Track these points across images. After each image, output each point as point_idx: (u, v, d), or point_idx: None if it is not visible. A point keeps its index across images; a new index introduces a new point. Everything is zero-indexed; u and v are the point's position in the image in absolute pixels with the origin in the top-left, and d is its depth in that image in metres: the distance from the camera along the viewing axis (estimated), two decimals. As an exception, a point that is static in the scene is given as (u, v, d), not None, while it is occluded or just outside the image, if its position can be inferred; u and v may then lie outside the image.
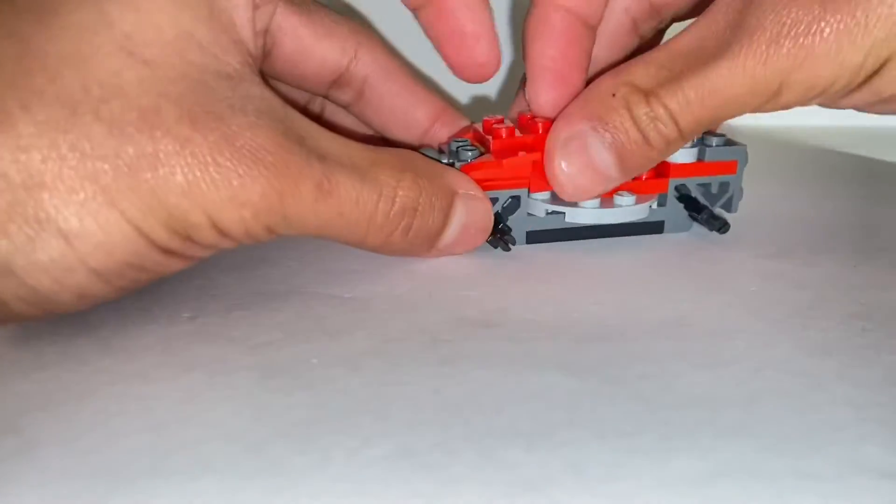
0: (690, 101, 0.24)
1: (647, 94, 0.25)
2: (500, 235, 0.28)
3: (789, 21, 0.22)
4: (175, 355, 0.21)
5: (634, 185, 0.29)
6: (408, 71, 0.29)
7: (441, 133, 0.30)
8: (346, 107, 0.30)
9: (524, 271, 0.27)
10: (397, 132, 0.30)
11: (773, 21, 0.23)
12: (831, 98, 0.24)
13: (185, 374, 0.20)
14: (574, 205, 0.28)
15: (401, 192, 0.24)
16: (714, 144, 0.29)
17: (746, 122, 0.47)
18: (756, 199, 0.32)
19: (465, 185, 0.27)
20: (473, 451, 0.18)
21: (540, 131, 0.28)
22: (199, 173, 0.20)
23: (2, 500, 0.16)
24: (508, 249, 0.28)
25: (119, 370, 0.21)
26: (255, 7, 0.23)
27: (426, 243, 0.26)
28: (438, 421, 0.19)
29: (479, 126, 0.30)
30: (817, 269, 0.27)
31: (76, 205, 0.19)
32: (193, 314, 0.24)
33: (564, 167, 0.26)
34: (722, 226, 0.29)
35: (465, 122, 0.31)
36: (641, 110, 0.25)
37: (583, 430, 0.18)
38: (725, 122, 0.33)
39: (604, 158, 0.26)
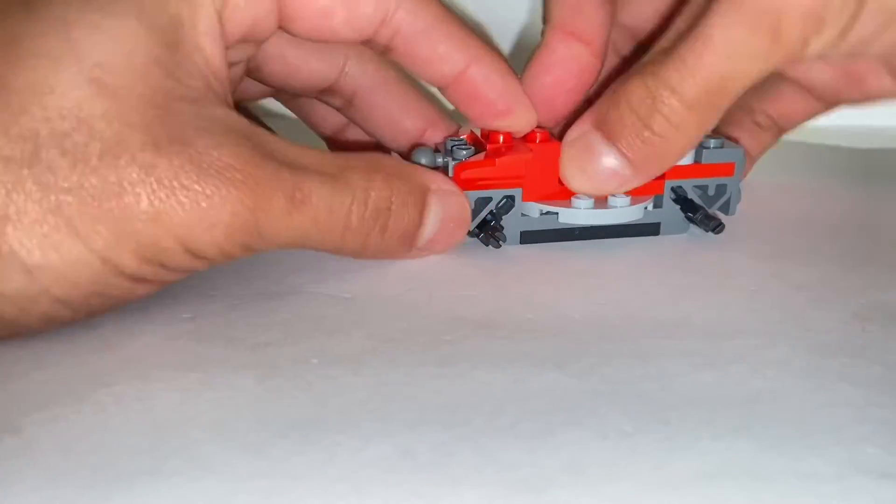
0: (688, 63, 0.24)
1: (645, 76, 0.25)
2: (490, 232, 0.28)
3: None
4: (175, 355, 0.21)
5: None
6: (400, 80, 0.29)
7: (432, 140, 0.30)
8: (337, 109, 0.30)
9: (524, 271, 0.27)
10: (387, 139, 0.30)
11: None
12: (831, 34, 0.23)
13: (185, 374, 0.20)
14: (567, 205, 0.28)
15: (373, 194, 0.24)
16: (711, 146, 0.29)
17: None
18: (756, 200, 0.32)
19: (438, 182, 0.26)
20: (473, 452, 0.18)
21: (537, 140, 0.28)
22: (165, 198, 0.20)
23: (2, 500, 0.16)
24: (499, 246, 0.28)
25: (119, 370, 0.21)
26: (227, 46, 0.23)
27: (404, 242, 0.26)
28: (438, 421, 0.19)
29: (477, 131, 0.30)
30: (817, 269, 0.27)
31: (39, 237, 0.19)
32: (193, 314, 0.24)
33: (572, 168, 0.27)
34: (717, 226, 0.29)
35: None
36: (639, 93, 0.25)
37: (583, 431, 0.18)
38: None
39: (606, 156, 0.26)
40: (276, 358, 0.21)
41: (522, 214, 0.29)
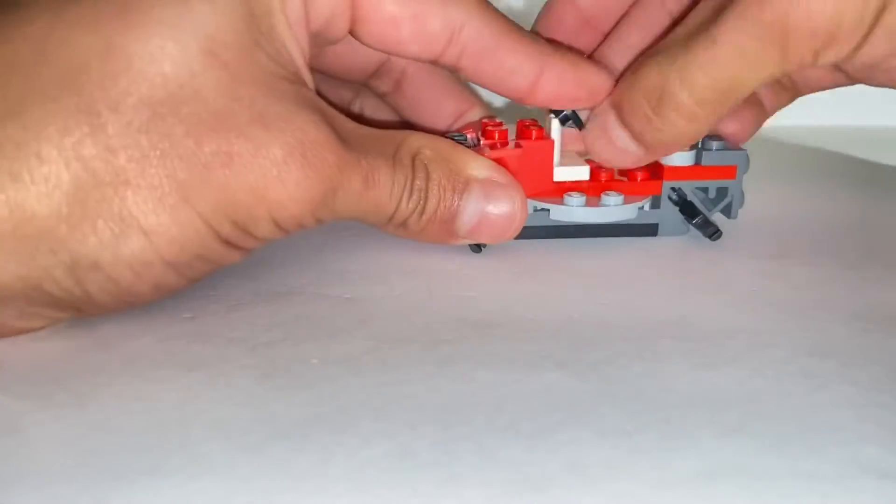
0: (699, 58, 0.24)
1: (660, 65, 0.25)
2: None
3: None
4: (175, 355, 0.21)
5: (625, 186, 0.29)
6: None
7: (466, 122, 0.31)
8: (382, 95, 0.31)
9: (524, 271, 0.27)
10: (425, 121, 0.31)
11: None
12: (842, 50, 0.23)
13: (185, 374, 0.20)
14: (559, 202, 0.28)
15: (419, 174, 0.25)
16: (714, 149, 0.29)
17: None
18: (756, 200, 0.32)
19: (485, 170, 0.26)
20: (473, 451, 0.18)
21: (533, 138, 0.28)
22: (270, 174, 0.21)
23: (2, 500, 0.16)
24: (479, 251, 0.28)
25: (119, 370, 0.21)
26: (308, 22, 0.23)
27: (441, 228, 0.26)
28: (438, 421, 0.19)
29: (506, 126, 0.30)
30: (817, 270, 0.27)
31: (155, 202, 0.20)
32: (193, 314, 0.24)
33: (593, 142, 0.28)
34: (714, 232, 0.29)
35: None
36: (653, 82, 0.25)
37: (583, 430, 0.18)
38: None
39: (619, 134, 0.27)
40: (276, 358, 0.21)
41: None
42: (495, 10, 0.25)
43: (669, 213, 0.29)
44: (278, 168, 0.21)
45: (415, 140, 0.25)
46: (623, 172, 0.29)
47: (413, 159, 0.25)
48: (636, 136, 0.27)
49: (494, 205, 0.26)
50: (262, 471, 0.17)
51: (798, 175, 0.39)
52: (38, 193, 0.19)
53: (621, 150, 0.27)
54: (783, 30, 0.23)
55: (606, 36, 0.32)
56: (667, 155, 0.28)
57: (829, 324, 0.23)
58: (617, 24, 0.32)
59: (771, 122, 0.32)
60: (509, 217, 0.26)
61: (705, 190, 0.29)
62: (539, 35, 0.27)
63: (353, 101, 0.32)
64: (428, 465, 0.17)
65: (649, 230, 0.30)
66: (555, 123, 0.28)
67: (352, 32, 0.24)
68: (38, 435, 0.18)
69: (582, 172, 0.29)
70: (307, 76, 0.23)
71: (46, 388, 0.20)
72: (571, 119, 0.28)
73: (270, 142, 0.21)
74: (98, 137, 0.20)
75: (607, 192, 0.28)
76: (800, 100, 0.31)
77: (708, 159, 0.29)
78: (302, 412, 0.19)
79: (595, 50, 0.32)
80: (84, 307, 0.21)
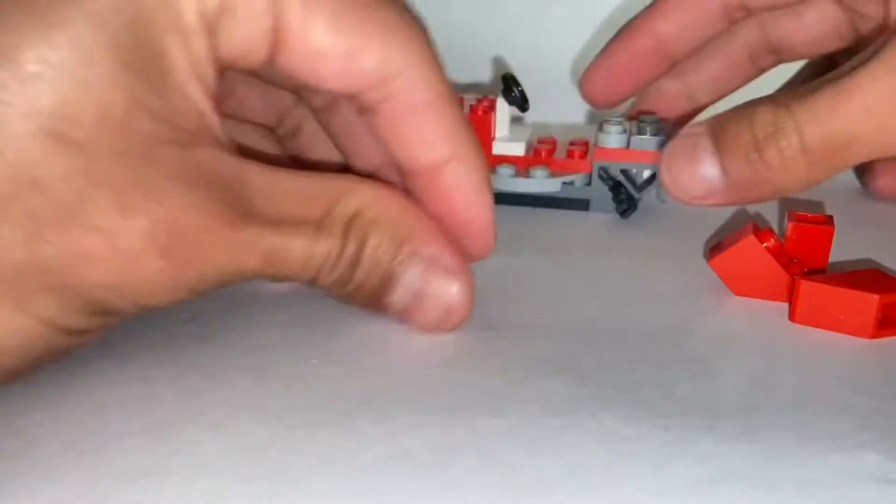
0: (821, 109, 0.23)
1: (777, 105, 0.24)
2: None
3: None
4: (175, 355, 0.21)
5: (556, 162, 0.33)
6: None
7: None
8: (315, 111, 0.25)
9: (524, 273, 0.27)
10: (357, 151, 0.25)
11: None
12: None
13: (185, 374, 0.20)
14: (492, 171, 0.32)
15: (346, 252, 0.21)
16: (648, 133, 0.31)
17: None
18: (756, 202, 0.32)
19: (433, 247, 0.22)
20: (473, 454, 0.18)
21: (479, 113, 0.32)
22: (127, 269, 0.18)
23: (2, 500, 0.16)
24: None
25: (119, 370, 0.21)
26: (217, 57, 0.19)
27: (368, 300, 0.22)
28: (438, 423, 0.19)
29: None
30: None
31: None
32: (193, 314, 0.23)
33: (671, 161, 0.26)
34: (624, 210, 0.32)
35: None
36: (765, 117, 0.24)
37: (583, 435, 0.18)
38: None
39: (708, 161, 0.25)
40: (275, 358, 0.21)
41: None
42: (440, 70, 0.22)
43: (599, 191, 0.32)
44: (136, 260, 0.18)
45: (355, 198, 0.21)
46: (562, 152, 0.33)
47: (347, 225, 0.21)
48: (726, 167, 0.25)
49: (434, 290, 0.22)
50: (262, 471, 0.17)
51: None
52: None
53: (701, 177, 0.25)
54: None
55: (674, 65, 0.33)
56: (743, 202, 0.27)
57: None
58: (692, 54, 0.33)
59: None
60: (445, 309, 0.22)
61: (633, 173, 0.32)
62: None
63: (292, 111, 0.26)
64: (428, 468, 0.17)
65: (581, 205, 0.33)
66: (500, 102, 0.32)
67: (269, 59, 0.20)
68: (38, 435, 0.18)
69: (517, 148, 0.33)
70: (211, 119, 0.19)
71: (46, 388, 0.20)
72: (517, 102, 0.31)
73: (126, 231, 0.18)
74: None
75: (536, 166, 0.32)
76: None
77: (636, 144, 0.31)
78: (302, 412, 0.19)
79: (668, 73, 0.34)
80: None
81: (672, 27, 0.32)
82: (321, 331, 0.23)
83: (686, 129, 0.26)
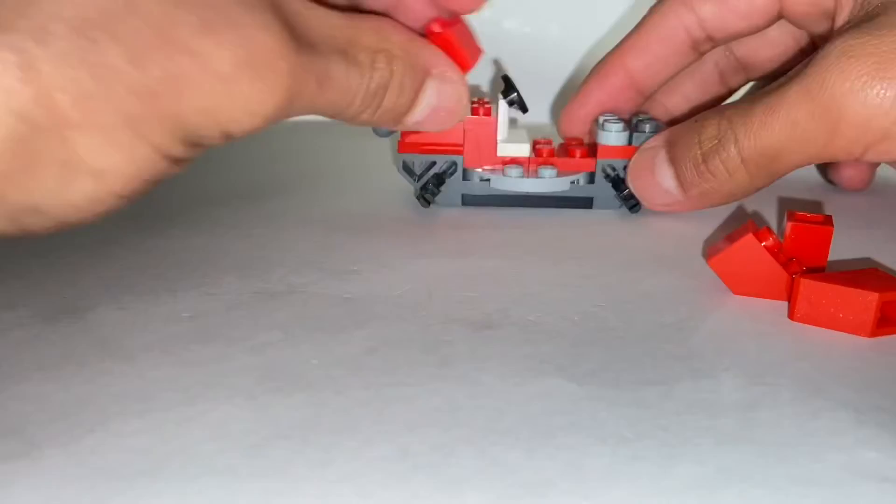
0: (755, 123, 0.26)
1: (721, 117, 0.27)
2: (421, 193, 0.32)
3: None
4: (175, 355, 0.21)
5: (561, 162, 0.32)
6: None
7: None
8: None
9: (524, 272, 0.27)
10: None
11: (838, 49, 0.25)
12: (893, 149, 0.25)
13: (185, 374, 0.20)
14: (501, 173, 0.32)
15: (375, 76, 0.24)
16: (647, 131, 0.31)
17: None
18: (759, 200, 0.32)
19: (440, 65, 0.26)
20: (473, 454, 0.18)
21: (480, 114, 0.32)
22: (220, 91, 0.20)
23: (3, 500, 0.16)
24: (427, 205, 0.32)
25: (119, 370, 0.21)
26: None
27: (392, 120, 0.26)
28: (438, 423, 0.19)
29: None
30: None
31: (104, 141, 0.18)
32: (193, 314, 0.23)
33: (635, 174, 0.30)
34: (634, 205, 0.32)
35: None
36: (710, 131, 0.27)
37: (583, 435, 0.18)
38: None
39: (664, 172, 0.29)
40: (276, 358, 0.21)
41: (465, 179, 0.33)
42: None
43: (603, 188, 0.32)
44: (227, 84, 0.19)
45: (382, 35, 0.24)
46: (564, 152, 0.33)
47: (374, 57, 0.24)
48: (679, 178, 0.29)
49: (444, 100, 0.27)
50: (262, 471, 0.17)
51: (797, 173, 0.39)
52: None
53: (660, 187, 0.29)
54: (837, 115, 0.24)
55: (647, 98, 0.34)
56: (701, 208, 0.30)
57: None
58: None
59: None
60: (454, 112, 0.27)
61: None
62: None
63: None
64: (427, 468, 0.17)
65: (585, 203, 0.33)
66: (501, 104, 0.32)
67: None
68: (38, 435, 0.18)
69: (523, 149, 0.33)
70: None
71: (46, 388, 0.20)
72: (517, 103, 0.31)
73: (218, 55, 0.19)
74: (30, 80, 0.17)
75: (544, 166, 0.32)
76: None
77: (638, 140, 0.31)
78: (302, 412, 0.19)
79: (650, 98, 0.35)
80: (18, 235, 0.20)
81: (641, 63, 0.33)
82: (321, 331, 0.23)
83: (647, 143, 0.30)
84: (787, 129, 0.26)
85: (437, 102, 0.27)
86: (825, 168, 0.37)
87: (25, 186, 0.18)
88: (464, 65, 0.27)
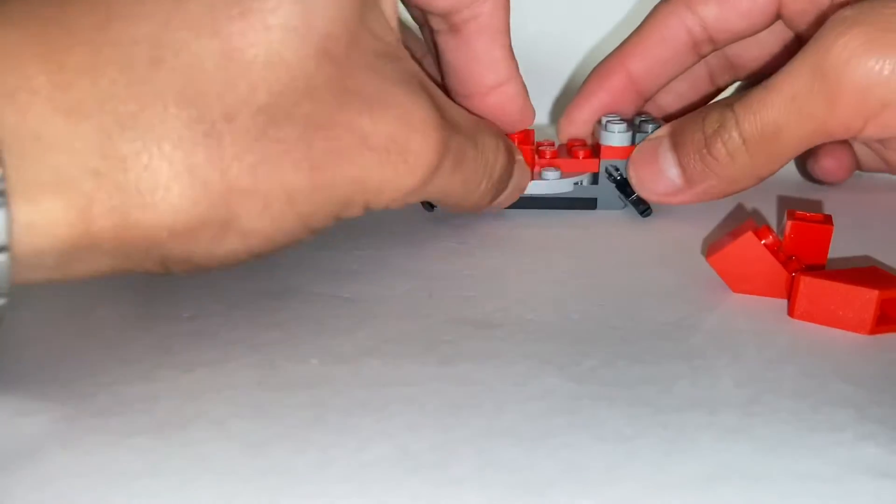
0: (754, 103, 0.26)
1: (724, 105, 0.27)
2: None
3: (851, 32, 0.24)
4: (175, 355, 0.21)
5: (564, 163, 0.32)
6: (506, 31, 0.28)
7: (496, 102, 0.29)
8: (432, 32, 0.27)
9: (524, 272, 0.27)
10: (461, 77, 0.28)
11: (833, 29, 0.25)
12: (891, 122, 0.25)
13: (185, 374, 0.20)
14: None
15: (499, 163, 0.26)
16: (649, 131, 0.31)
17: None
18: (759, 198, 0.32)
19: (516, 150, 0.29)
20: (473, 453, 0.18)
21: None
22: (374, 163, 0.21)
23: (2, 500, 0.16)
24: (431, 210, 0.31)
25: (119, 370, 0.21)
26: None
27: (489, 203, 0.28)
28: (438, 422, 0.19)
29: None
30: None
31: (262, 208, 0.20)
32: (193, 314, 0.24)
33: (637, 164, 0.30)
34: (645, 209, 0.31)
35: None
36: (713, 116, 0.27)
37: (582, 433, 0.18)
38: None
39: (667, 158, 0.29)
40: (276, 358, 0.21)
41: None
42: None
43: (607, 190, 0.32)
44: (381, 157, 0.21)
45: (498, 128, 0.27)
46: (567, 153, 0.33)
47: (497, 144, 0.26)
48: (682, 165, 0.29)
49: (522, 182, 0.29)
50: (262, 471, 0.17)
51: (795, 171, 0.39)
52: (144, 204, 0.18)
53: (663, 175, 0.29)
54: (837, 85, 0.24)
55: (647, 100, 0.34)
56: (703, 198, 0.29)
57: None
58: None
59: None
60: (521, 191, 0.30)
61: None
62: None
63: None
64: (427, 467, 0.17)
65: (589, 204, 0.33)
66: None
67: None
68: (39, 435, 0.18)
69: (525, 152, 0.32)
70: (398, 35, 0.23)
71: (46, 388, 0.20)
72: None
73: (376, 131, 0.21)
74: (212, 150, 0.19)
75: (546, 167, 0.31)
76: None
77: (641, 141, 0.31)
78: (302, 412, 0.19)
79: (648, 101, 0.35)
80: (158, 274, 0.21)
81: (643, 65, 0.33)
82: (321, 331, 0.23)
83: (651, 135, 0.30)
84: (786, 103, 0.25)
85: (517, 183, 0.29)
86: (804, 161, 0.36)
87: (184, 240, 0.19)
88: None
